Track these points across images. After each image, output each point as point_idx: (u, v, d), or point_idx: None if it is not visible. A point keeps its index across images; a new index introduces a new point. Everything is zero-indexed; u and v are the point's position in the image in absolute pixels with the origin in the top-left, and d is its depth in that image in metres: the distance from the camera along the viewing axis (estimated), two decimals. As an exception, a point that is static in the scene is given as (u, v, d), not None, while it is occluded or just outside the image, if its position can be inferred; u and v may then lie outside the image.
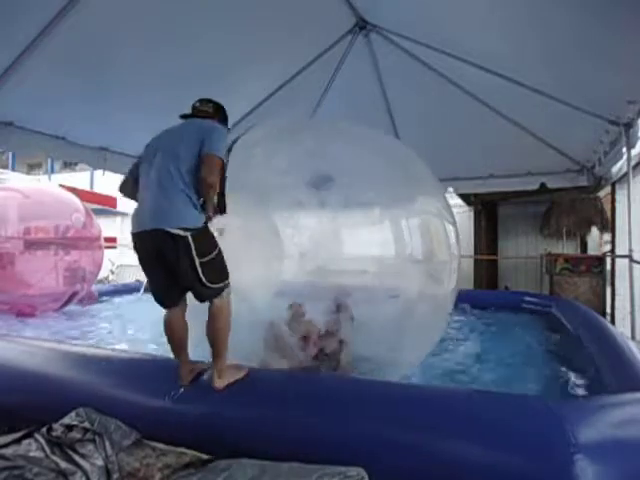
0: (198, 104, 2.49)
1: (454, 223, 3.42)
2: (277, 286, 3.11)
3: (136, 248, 2.23)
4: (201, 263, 2.10)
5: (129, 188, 2.42)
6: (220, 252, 2.24)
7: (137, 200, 2.31)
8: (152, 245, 2.14)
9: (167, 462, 2.05)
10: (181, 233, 2.08)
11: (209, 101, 2.51)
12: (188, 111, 2.51)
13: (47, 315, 6.00)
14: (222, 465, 1.89)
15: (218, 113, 2.50)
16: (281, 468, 1.82)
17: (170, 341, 2.33)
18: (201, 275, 2.11)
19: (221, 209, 2.39)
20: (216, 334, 2.22)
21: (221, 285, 2.20)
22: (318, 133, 3.35)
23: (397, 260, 2.97)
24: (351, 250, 3.06)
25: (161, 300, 2.29)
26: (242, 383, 2.25)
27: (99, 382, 2.46)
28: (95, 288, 7.07)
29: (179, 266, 2.12)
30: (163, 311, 2.33)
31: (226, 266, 2.26)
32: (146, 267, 2.25)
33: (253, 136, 3.12)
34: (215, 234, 2.31)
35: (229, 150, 2.77)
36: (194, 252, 2.08)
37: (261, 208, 3.10)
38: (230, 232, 2.73)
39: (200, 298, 2.24)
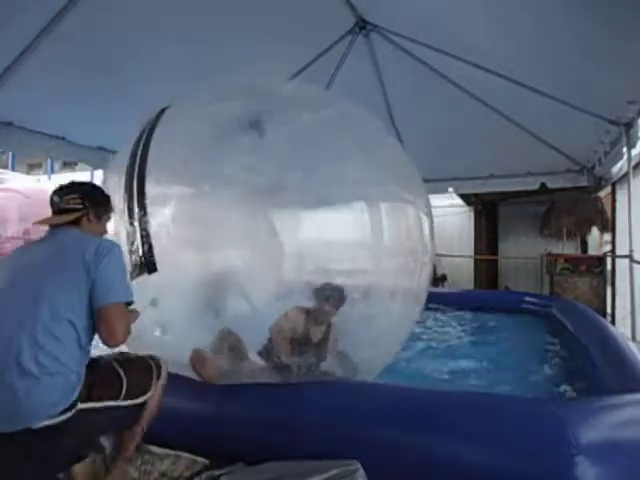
0: (57, 199, 1.75)
1: (429, 214, 3.03)
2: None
3: None
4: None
5: None
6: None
7: None
8: None
9: (163, 468, 2.04)
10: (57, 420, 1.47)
11: (71, 190, 1.78)
12: None
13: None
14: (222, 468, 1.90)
15: (92, 204, 1.79)
16: (275, 466, 1.83)
17: None
18: None
19: (150, 266, 1.97)
20: None
21: None
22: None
23: (367, 253, 2.64)
24: (315, 241, 2.57)
25: None
26: (235, 389, 2.23)
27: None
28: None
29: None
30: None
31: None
32: None
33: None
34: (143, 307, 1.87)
35: (152, 128, 2.36)
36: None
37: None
38: (214, 224, 2.41)
39: None
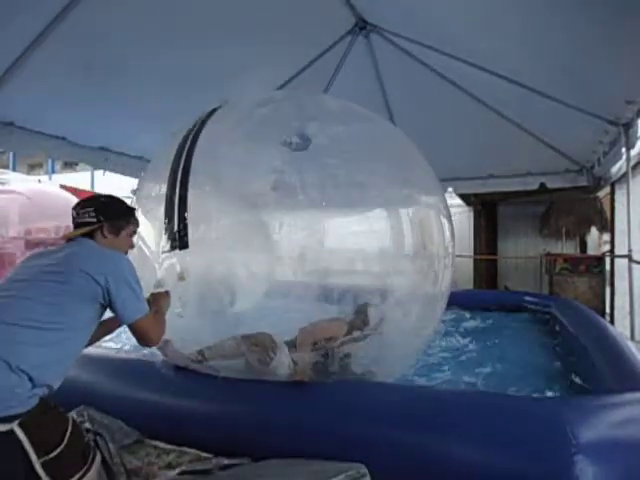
0: (75, 213, 1.80)
1: (449, 218, 3.11)
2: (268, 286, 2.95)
3: None
4: (44, 463, 1.39)
5: None
6: (74, 434, 1.51)
7: None
8: None
9: (168, 460, 2.06)
10: (3, 427, 1.35)
11: (88, 204, 1.81)
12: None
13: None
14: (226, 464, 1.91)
15: (106, 217, 1.79)
16: (281, 464, 1.83)
17: None
18: None
19: (181, 243, 2.01)
20: None
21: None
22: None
23: (389, 256, 2.72)
24: (338, 245, 2.71)
25: None
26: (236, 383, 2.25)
27: (100, 381, 2.47)
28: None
29: None
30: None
31: (85, 449, 1.57)
32: None
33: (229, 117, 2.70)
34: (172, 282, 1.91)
35: (202, 125, 2.35)
36: (30, 451, 1.37)
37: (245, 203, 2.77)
38: (216, 230, 2.49)
39: None
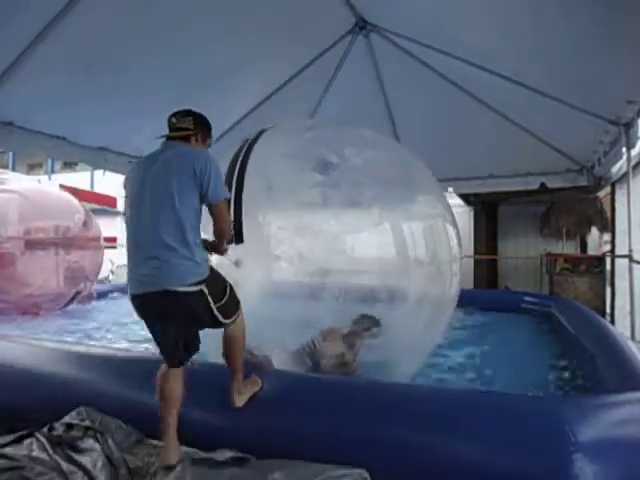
0: (175, 120, 2.17)
1: (455, 225, 3.42)
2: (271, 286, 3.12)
3: (140, 309, 2.06)
4: (218, 307, 2.03)
5: None
6: (231, 287, 2.15)
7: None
8: (162, 306, 1.98)
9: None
10: (194, 289, 1.96)
11: (187, 113, 2.19)
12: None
13: (50, 314, 6.03)
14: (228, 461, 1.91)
15: (199, 127, 2.19)
16: (283, 465, 1.83)
17: (165, 406, 2.03)
18: (220, 317, 2.04)
19: (237, 238, 2.32)
20: (232, 356, 2.18)
21: (236, 316, 2.14)
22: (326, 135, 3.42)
23: (399, 262, 2.97)
24: (349, 252, 3.05)
25: (170, 357, 2.07)
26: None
27: (100, 381, 2.47)
28: (94, 288, 7.09)
29: (196, 317, 2.04)
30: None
31: (237, 296, 2.18)
32: (154, 325, 2.08)
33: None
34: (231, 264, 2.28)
35: (252, 145, 2.82)
36: (211, 301, 2.00)
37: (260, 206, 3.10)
38: None
39: (214, 328, 2.16)
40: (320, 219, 3.03)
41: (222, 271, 2.20)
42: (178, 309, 1.99)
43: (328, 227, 3.00)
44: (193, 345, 2.11)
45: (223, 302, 2.05)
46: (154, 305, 1.99)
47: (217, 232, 2.17)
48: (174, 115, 2.18)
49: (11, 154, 16.30)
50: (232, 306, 2.13)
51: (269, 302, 2.98)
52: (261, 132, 3.07)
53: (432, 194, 3.45)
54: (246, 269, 2.77)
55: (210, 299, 1.99)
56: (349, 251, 3.00)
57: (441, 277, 3.17)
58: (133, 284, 2.03)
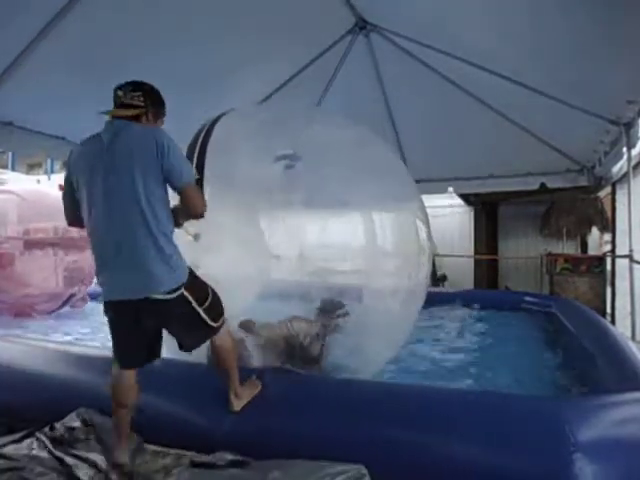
0: (121, 93, 1.90)
1: (426, 220, 3.32)
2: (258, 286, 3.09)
3: (112, 317, 1.91)
4: (205, 310, 1.93)
5: (77, 217, 1.97)
6: (212, 288, 2.03)
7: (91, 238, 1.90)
8: (139, 313, 1.84)
9: (165, 463, 2.05)
10: (175, 295, 1.84)
11: (136, 87, 1.91)
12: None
13: (44, 316, 6.01)
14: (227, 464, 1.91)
15: (150, 103, 1.94)
16: (283, 464, 1.83)
17: (119, 406, 1.96)
18: (207, 320, 1.95)
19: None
20: (225, 363, 2.11)
21: (222, 320, 2.05)
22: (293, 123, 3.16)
23: (365, 255, 2.91)
24: (318, 245, 2.88)
25: (129, 362, 1.95)
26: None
27: (100, 383, 2.46)
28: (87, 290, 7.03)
29: (180, 322, 1.95)
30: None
31: (219, 297, 2.07)
32: (121, 333, 1.92)
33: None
34: (189, 239, 2.17)
35: (208, 131, 2.61)
36: (195, 304, 1.90)
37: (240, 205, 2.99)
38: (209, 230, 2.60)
39: (198, 343, 2.06)
40: (281, 210, 2.89)
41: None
42: (154, 317, 1.88)
43: (291, 219, 2.87)
44: (158, 354, 2.03)
45: (207, 304, 1.95)
46: (128, 312, 1.85)
47: (190, 216, 1.99)
48: (120, 88, 1.90)
49: (11, 154, 16.28)
50: (218, 308, 2.03)
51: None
52: (220, 116, 2.87)
53: (401, 187, 3.27)
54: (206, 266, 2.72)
55: (195, 304, 1.90)
56: (316, 242, 2.84)
57: (408, 268, 3.09)
58: (108, 290, 1.89)
